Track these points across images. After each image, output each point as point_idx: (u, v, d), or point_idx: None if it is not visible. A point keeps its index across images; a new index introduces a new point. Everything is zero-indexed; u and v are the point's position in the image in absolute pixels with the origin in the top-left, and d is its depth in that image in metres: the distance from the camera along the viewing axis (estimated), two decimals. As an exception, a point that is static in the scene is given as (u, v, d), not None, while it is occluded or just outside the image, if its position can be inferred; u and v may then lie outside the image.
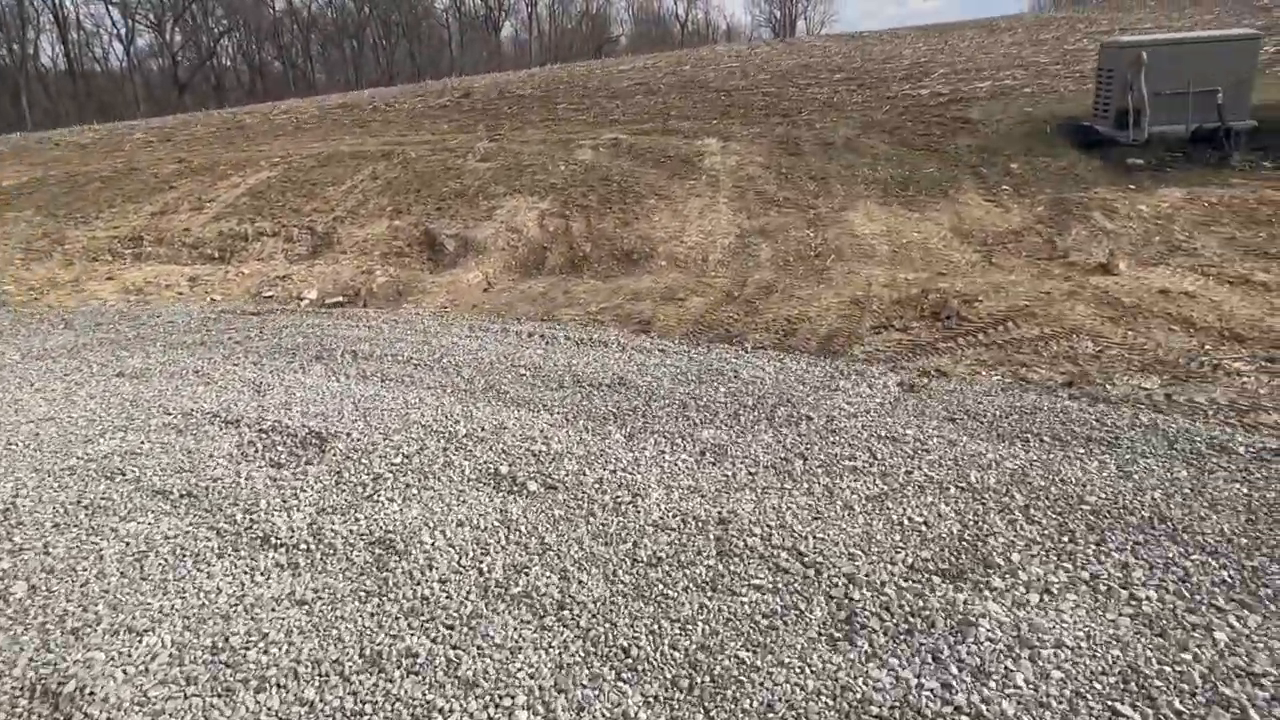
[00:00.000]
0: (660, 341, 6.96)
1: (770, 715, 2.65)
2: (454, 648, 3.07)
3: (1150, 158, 9.80)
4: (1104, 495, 3.90)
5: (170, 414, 5.51)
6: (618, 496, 4.11)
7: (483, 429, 5.00)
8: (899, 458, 4.37)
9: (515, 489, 4.27)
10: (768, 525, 3.74)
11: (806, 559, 3.51)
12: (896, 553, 3.52)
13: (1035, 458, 4.34)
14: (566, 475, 4.37)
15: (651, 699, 2.76)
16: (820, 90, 17.02)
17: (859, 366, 6.09)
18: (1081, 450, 4.41)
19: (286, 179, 13.58)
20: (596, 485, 4.25)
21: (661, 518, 3.87)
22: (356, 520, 3.93)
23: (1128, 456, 4.30)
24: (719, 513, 3.90)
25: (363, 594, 3.38)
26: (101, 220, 13.10)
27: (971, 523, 3.71)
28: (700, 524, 3.78)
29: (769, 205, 10.37)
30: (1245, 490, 3.86)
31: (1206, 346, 6.21)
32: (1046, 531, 3.65)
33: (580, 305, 8.39)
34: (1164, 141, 9.96)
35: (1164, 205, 8.86)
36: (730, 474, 4.29)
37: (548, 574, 3.48)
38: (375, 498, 4.18)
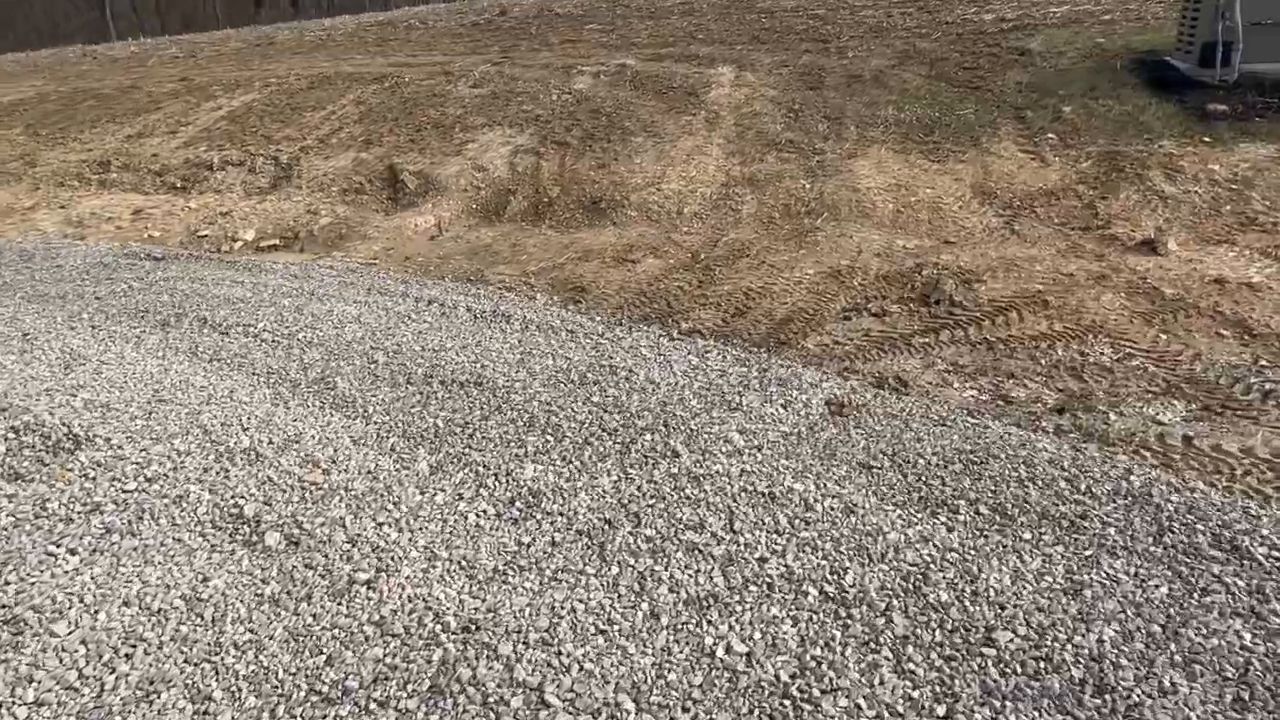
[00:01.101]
0: (579, 318, 5.80)
1: None
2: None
3: (1237, 104, 7.95)
4: (1024, 633, 2.65)
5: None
6: (360, 568, 3.06)
7: (270, 441, 3.99)
8: (762, 531, 3.18)
9: (249, 541, 3.26)
10: (523, 642, 2.65)
11: (551, 710, 2.41)
12: (682, 712, 2.38)
13: (954, 545, 3.09)
14: (322, 525, 3.33)
15: None
16: (873, 13, 15.08)
17: (795, 369, 4.83)
18: (1027, 536, 3.14)
19: (270, 103, 12.64)
20: (348, 546, 3.21)
21: (393, 614, 2.81)
22: (6, 584, 2.99)
23: (1088, 554, 3.02)
24: (472, 612, 2.81)
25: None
26: (79, 142, 12.44)
27: (812, 665, 2.54)
28: (433, 634, 2.71)
29: (768, 148, 8.92)
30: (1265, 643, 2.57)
31: (1262, 362, 4.74)
32: (919, 690, 2.45)
33: (520, 264, 7.25)
34: (1258, 84, 8.07)
35: (1243, 166, 7.11)
36: (525, 541, 3.19)
37: (181, 700, 2.47)
38: (63, 542, 3.23)
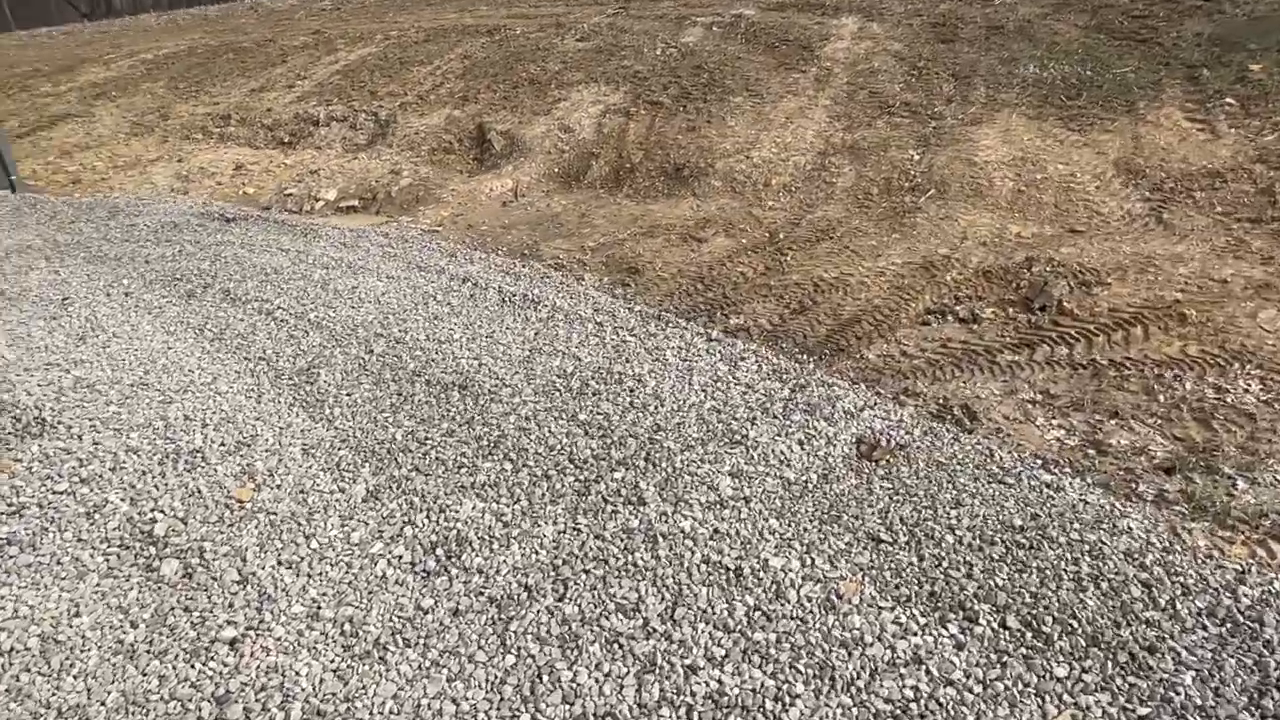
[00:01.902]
0: (617, 306, 5.19)
1: None
2: None
3: None
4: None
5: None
6: (234, 619, 2.66)
7: (223, 443, 3.66)
8: (708, 626, 2.51)
9: (147, 566, 2.93)
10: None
11: None
12: None
13: (957, 674, 2.31)
14: (225, 554, 2.97)
15: None
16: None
17: (837, 389, 4.03)
18: (1062, 673, 2.31)
19: (383, 56, 12.56)
20: (236, 586, 2.81)
21: (240, 689, 2.38)
22: None
23: (1143, 715, 2.17)
24: (327, 700, 2.33)
25: None
26: (209, 95, 12.84)
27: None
28: (264, 720, 2.25)
29: (880, 112, 7.85)
30: None
31: None
32: None
33: (580, 238, 6.69)
34: None
35: None
36: (426, 605, 2.68)
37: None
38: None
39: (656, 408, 3.81)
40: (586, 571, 2.76)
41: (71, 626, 2.68)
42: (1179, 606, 2.52)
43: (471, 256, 6.19)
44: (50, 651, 2.59)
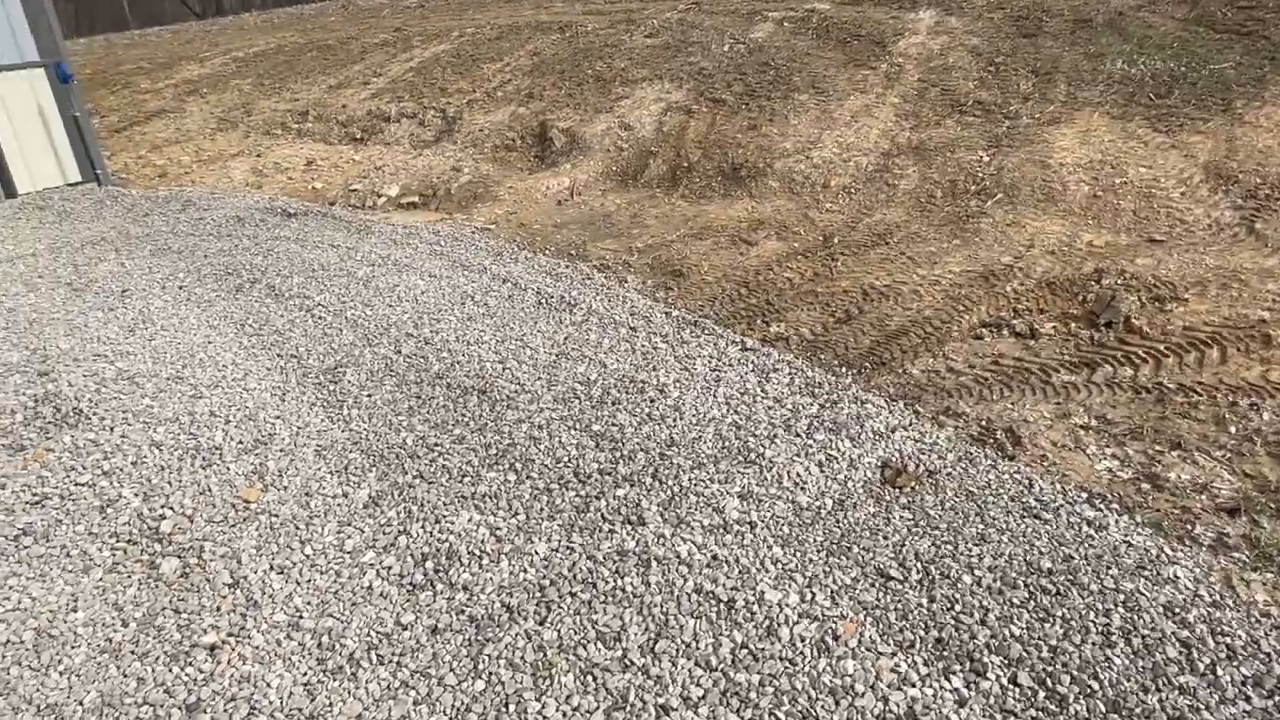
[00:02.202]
0: (655, 310, 5.06)
1: None
2: None
3: None
4: None
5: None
6: (217, 624, 2.66)
7: (241, 441, 3.69)
8: (689, 661, 2.36)
9: (149, 563, 2.97)
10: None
11: None
12: None
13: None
14: (222, 555, 2.99)
15: None
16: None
17: (871, 406, 3.81)
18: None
19: (457, 53, 12.71)
20: (226, 589, 2.80)
21: (211, 697, 2.36)
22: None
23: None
24: (293, 715, 2.29)
25: None
26: (290, 92, 13.23)
27: None
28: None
29: (950, 111, 7.49)
30: None
31: None
32: None
33: (630, 238, 6.58)
34: None
35: None
36: (406, 620, 2.62)
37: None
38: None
39: (674, 420, 3.66)
40: (573, 594, 2.64)
41: (66, 622, 2.71)
42: (1220, 672, 2.24)
43: (517, 256, 6.15)
44: (43, 646, 2.62)
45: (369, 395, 4.04)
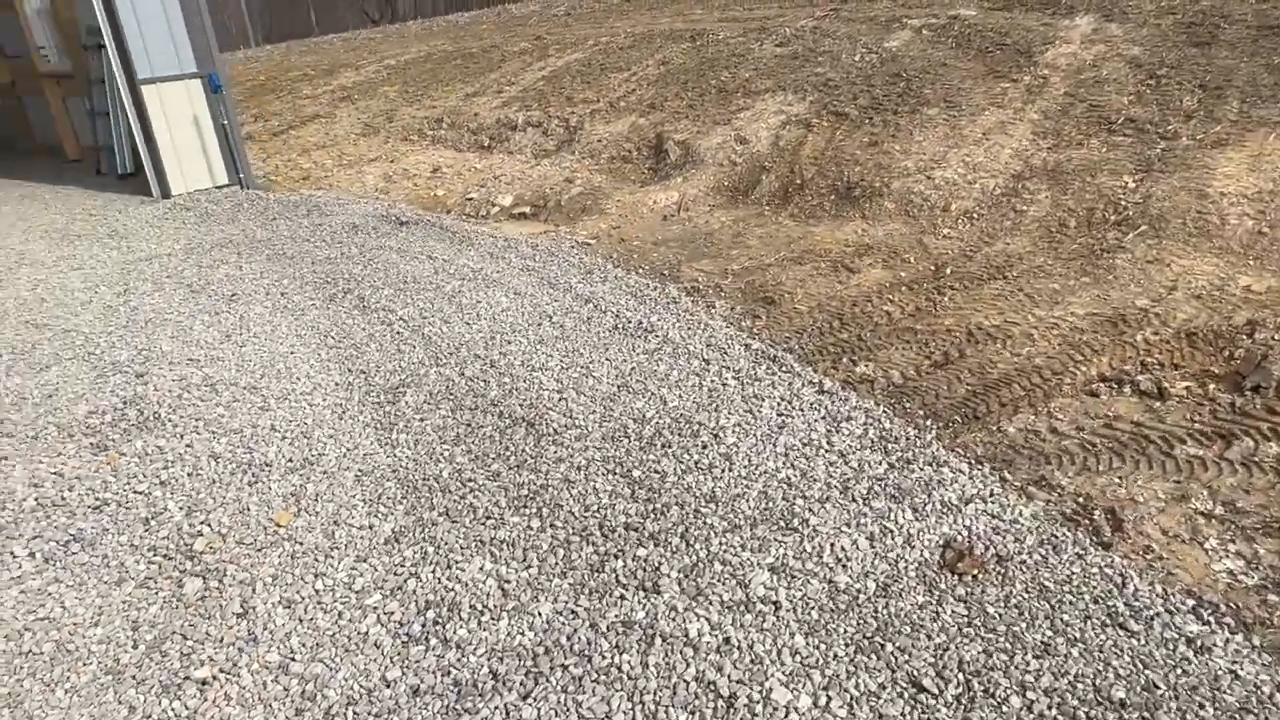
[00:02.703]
0: (734, 341, 4.79)
1: None
2: None
3: None
4: None
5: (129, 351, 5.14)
6: (213, 658, 2.62)
7: (290, 460, 3.72)
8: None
9: (177, 581, 3.00)
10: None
11: None
12: None
13: None
14: (241, 582, 2.97)
15: None
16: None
17: (949, 469, 3.41)
18: None
19: (588, 62, 12.78)
20: (235, 619, 2.77)
21: None
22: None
23: None
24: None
25: None
26: (430, 99, 13.72)
27: None
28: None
29: (1097, 129, 6.76)
30: None
31: None
32: None
33: (726, 259, 6.32)
34: None
35: None
36: (391, 676, 2.48)
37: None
38: (32, 544, 3.23)
39: (721, 471, 3.39)
40: (564, 667, 2.44)
41: (85, 637, 2.76)
42: None
43: (608, 274, 6.01)
44: (58, 660, 2.68)
45: (421, 419, 3.98)
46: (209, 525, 3.28)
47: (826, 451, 3.53)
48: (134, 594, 2.97)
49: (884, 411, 3.97)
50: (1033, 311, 4.86)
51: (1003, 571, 2.79)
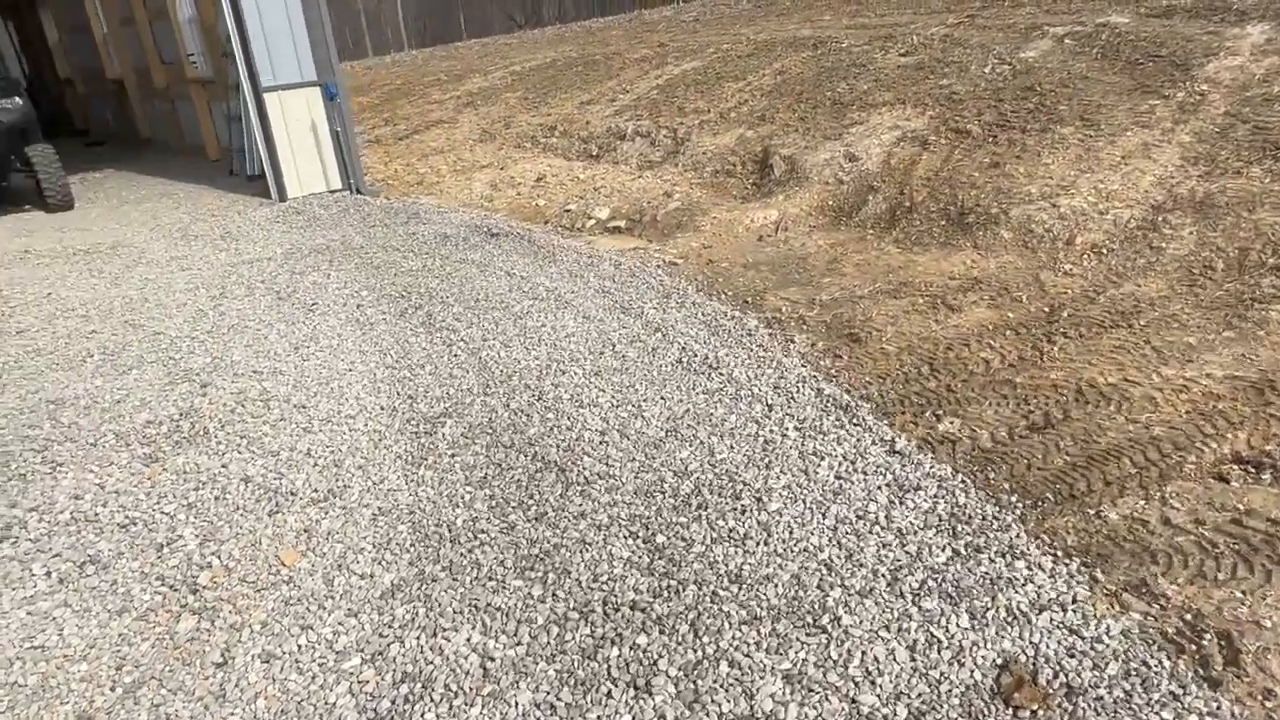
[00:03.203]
0: (805, 384, 4.38)
1: None
2: None
3: None
4: None
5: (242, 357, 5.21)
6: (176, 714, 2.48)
7: (315, 489, 3.59)
8: None
9: (174, 615, 2.90)
10: None
11: None
12: None
13: None
14: (229, 629, 2.84)
15: None
16: None
17: (1028, 564, 2.91)
18: None
19: (704, 71, 12.48)
20: (211, 672, 2.63)
21: None
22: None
23: None
24: None
25: None
26: (548, 106, 13.77)
27: None
28: None
29: (1261, 155, 5.89)
30: None
31: None
32: None
33: (815, 288, 5.89)
34: None
35: None
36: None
37: None
38: (51, 562, 3.23)
39: (755, 544, 3.01)
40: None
41: (70, 672, 2.70)
42: None
43: (685, 300, 5.69)
44: (37, 696, 2.61)
45: (453, 455, 3.79)
46: (219, 557, 3.19)
47: (882, 529, 3.09)
48: (130, 627, 2.89)
49: (961, 481, 3.47)
50: (1159, 369, 4.20)
51: (1071, 709, 2.30)
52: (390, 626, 2.75)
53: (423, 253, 7.13)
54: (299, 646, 2.70)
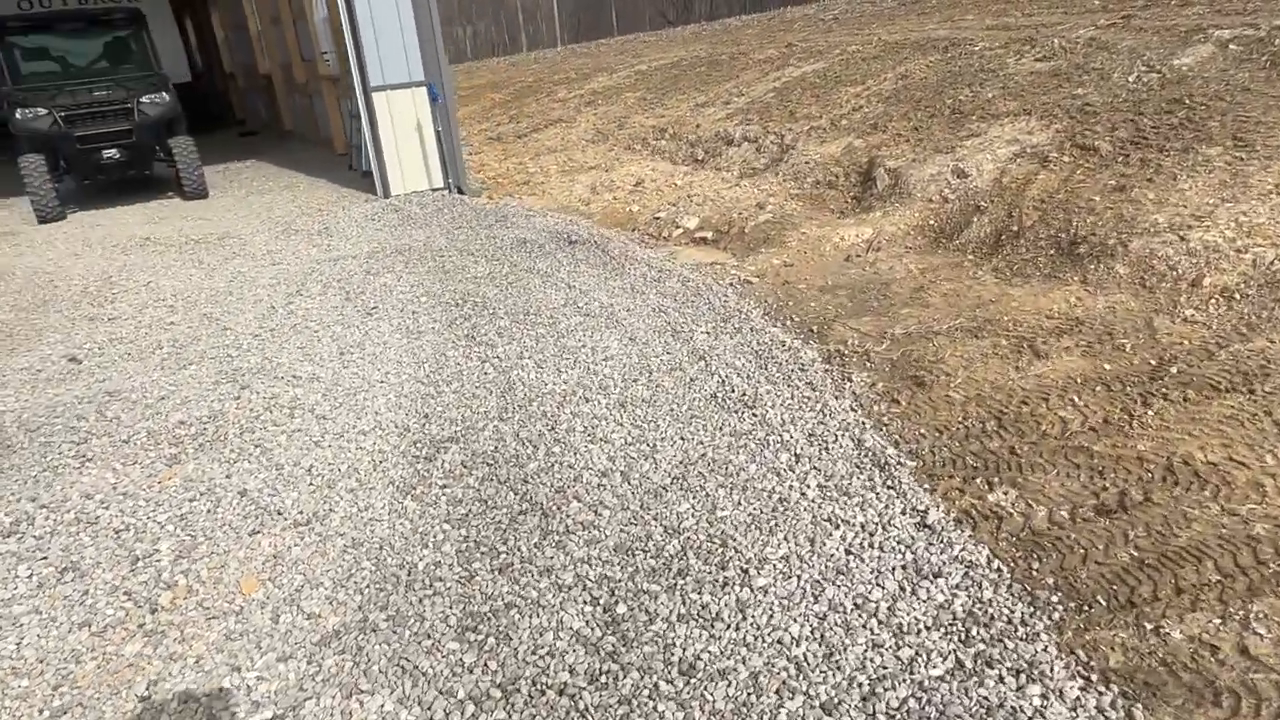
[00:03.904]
0: (855, 434, 3.95)
1: None
2: None
3: None
4: None
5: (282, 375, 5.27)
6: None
7: (300, 512, 3.49)
8: None
9: (125, 640, 2.86)
10: None
11: None
12: None
13: None
14: (172, 655, 2.75)
15: None
16: None
17: (1044, 692, 2.42)
18: None
19: (824, 74, 11.91)
20: (142, 693, 2.55)
21: None
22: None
23: None
24: None
25: None
26: (664, 107, 13.57)
27: None
28: None
29: None
30: None
31: None
32: None
33: (889, 319, 5.39)
34: None
35: None
36: None
37: None
38: (36, 567, 3.27)
39: (724, 630, 2.65)
40: None
41: (10, 688, 2.68)
42: None
43: (744, 325, 5.31)
44: (-25, 710, 2.61)
45: (444, 487, 3.61)
46: (185, 576, 3.14)
47: (879, 625, 2.66)
48: (85, 643, 2.86)
49: (995, 570, 2.98)
50: (1276, 450, 3.50)
51: None
52: (314, 679, 2.58)
53: (495, 258, 7.04)
54: (219, 690, 2.57)
